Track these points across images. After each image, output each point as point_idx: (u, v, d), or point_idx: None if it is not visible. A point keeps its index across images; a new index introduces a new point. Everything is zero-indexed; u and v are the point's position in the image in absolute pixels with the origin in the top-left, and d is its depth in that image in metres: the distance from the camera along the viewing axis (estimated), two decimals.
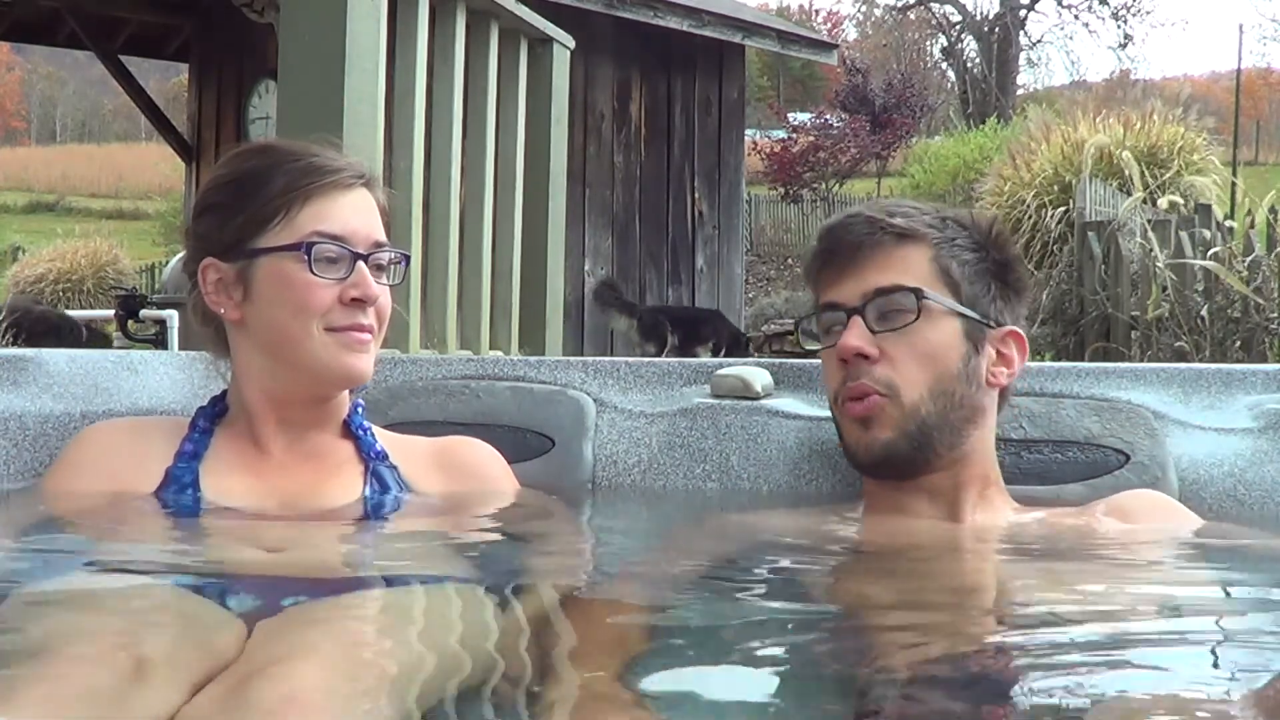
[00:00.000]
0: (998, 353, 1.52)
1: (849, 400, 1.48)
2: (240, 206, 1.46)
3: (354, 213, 1.46)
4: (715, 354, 8.22)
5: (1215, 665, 0.98)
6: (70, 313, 6.81)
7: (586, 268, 8.72)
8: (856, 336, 1.46)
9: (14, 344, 4.00)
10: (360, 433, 1.55)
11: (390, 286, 1.50)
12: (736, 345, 8.52)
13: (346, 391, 1.54)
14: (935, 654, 1.01)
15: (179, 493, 1.46)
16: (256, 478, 1.48)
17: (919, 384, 1.46)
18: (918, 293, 1.46)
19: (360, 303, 1.44)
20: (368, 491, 1.51)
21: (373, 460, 1.53)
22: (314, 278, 1.42)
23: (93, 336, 5.86)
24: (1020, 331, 1.55)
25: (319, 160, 1.47)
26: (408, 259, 1.55)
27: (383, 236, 1.49)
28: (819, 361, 1.60)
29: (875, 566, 1.45)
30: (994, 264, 1.53)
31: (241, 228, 1.45)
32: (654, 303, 9.04)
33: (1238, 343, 5.56)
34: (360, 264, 1.44)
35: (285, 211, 1.43)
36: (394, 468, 1.54)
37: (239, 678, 0.90)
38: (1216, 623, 1.14)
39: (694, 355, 7.97)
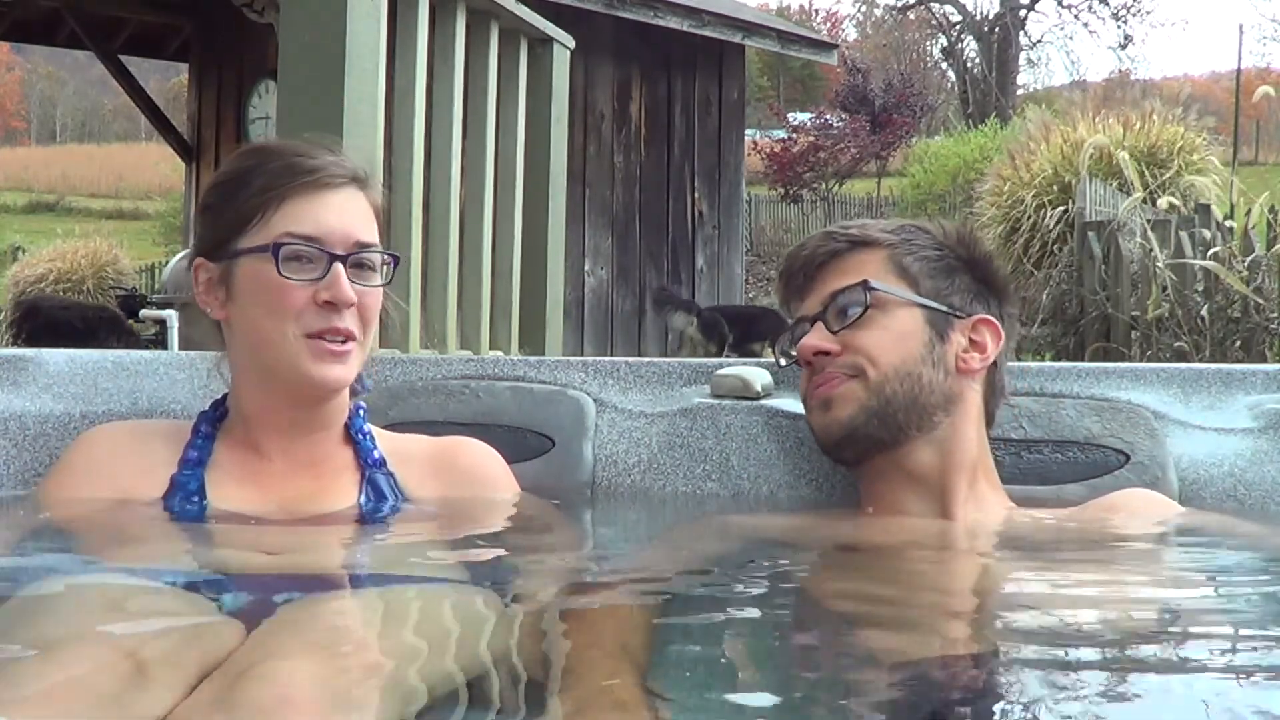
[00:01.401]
0: (970, 340, 1.56)
1: (814, 390, 1.56)
2: (225, 207, 1.46)
3: (331, 212, 1.43)
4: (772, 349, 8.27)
5: (1211, 664, 0.98)
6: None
7: (586, 268, 8.72)
8: (814, 337, 1.54)
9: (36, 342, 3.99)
10: (360, 438, 1.55)
11: (377, 288, 1.47)
12: None
13: (346, 395, 1.54)
14: (931, 653, 1.01)
15: (185, 500, 1.46)
16: (257, 485, 1.48)
17: (883, 365, 1.51)
18: (864, 284, 1.53)
19: (333, 305, 1.41)
20: (363, 500, 1.50)
21: (369, 468, 1.53)
22: (282, 279, 1.40)
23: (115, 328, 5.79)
24: (992, 318, 1.57)
25: (299, 160, 1.45)
26: (396, 259, 1.52)
27: (368, 236, 1.46)
28: None
29: (871, 566, 1.45)
30: (960, 260, 1.58)
31: (225, 228, 1.45)
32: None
33: (1238, 343, 5.56)
34: (337, 265, 1.41)
35: (262, 212, 1.42)
36: (390, 475, 1.53)
37: (232, 676, 0.90)
38: (1210, 619, 1.14)
39: (750, 353, 8.01)
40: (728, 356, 7.91)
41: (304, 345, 1.41)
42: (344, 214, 1.44)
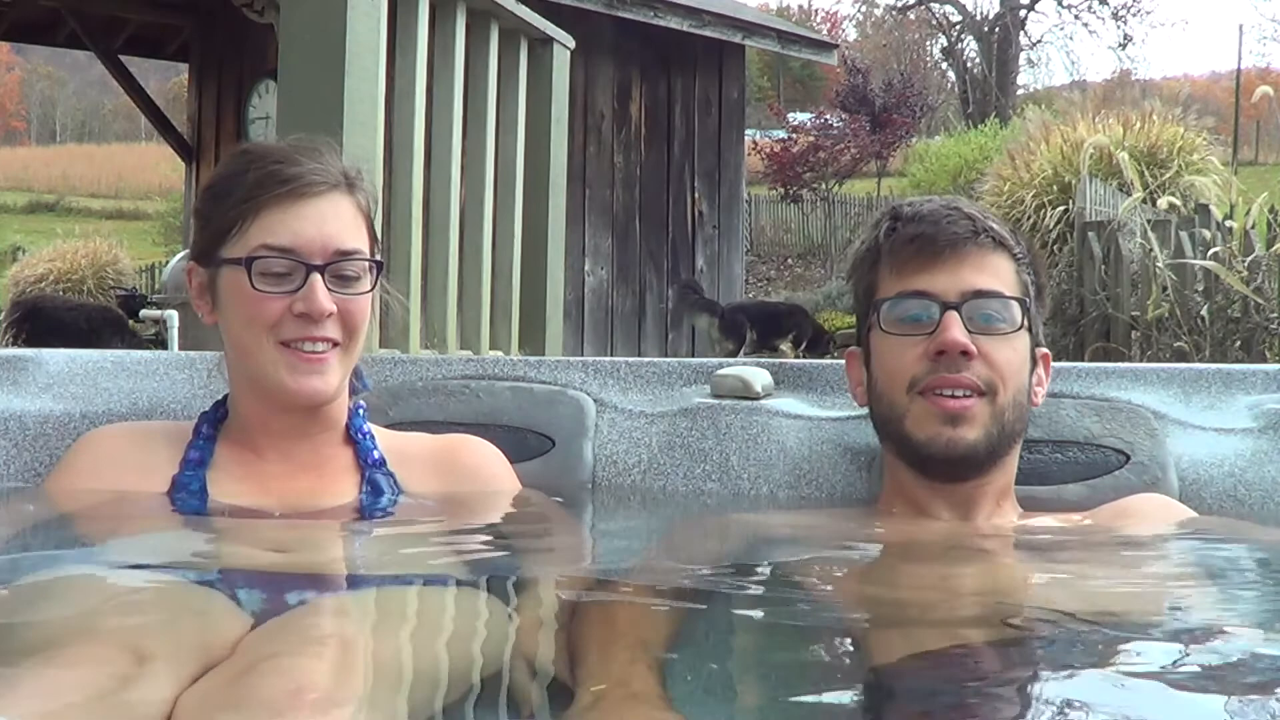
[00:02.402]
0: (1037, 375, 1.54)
1: (940, 391, 1.44)
2: (210, 214, 1.46)
3: (309, 222, 1.41)
4: (797, 347, 8.28)
5: (1222, 668, 0.98)
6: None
7: (586, 268, 8.72)
8: (963, 334, 1.43)
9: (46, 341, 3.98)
10: (360, 438, 1.54)
11: (361, 295, 1.44)
12: (818, 341, 8.57)
13: (345, 396, 1.54)
14: (947, 654, 1.01)
15: (186, 500, 1.47)
16: (258, 485, 1.48)
17: (1010, 389, 1.46)
18: (1022, 304, 1.47)
19: (308, 316, 1.40)
20: (363, 499, 1.50)
21: (369, 468, 1.53)
22: (256, 292, 1.40)
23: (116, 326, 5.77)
24: (1048, 353, 1.57)
25: (278, 169, 1.43)
26: (380, 265, 1.49)
27: (350, 244, 1.43)
28: (819, 362, 1.60)
29: (889, 567, 1.44)
30: (1038, 288, 1.55)
31: (210, 236, 1.46)
32: (658, 303, 9.08)
33: (1238, 343, 5.56)
34: (313, 277, 1.40)
35: (240, 223, 1.42)
36: (391, 474, 1.53)
37: (238, 670, 0.90)
38: (1223, 624, 1.14)
39: (774, 350, 8.00)
40: (748, 354, 7.91)
41: (280, 355, 1.41)
42: (323, 223, 1.42)
